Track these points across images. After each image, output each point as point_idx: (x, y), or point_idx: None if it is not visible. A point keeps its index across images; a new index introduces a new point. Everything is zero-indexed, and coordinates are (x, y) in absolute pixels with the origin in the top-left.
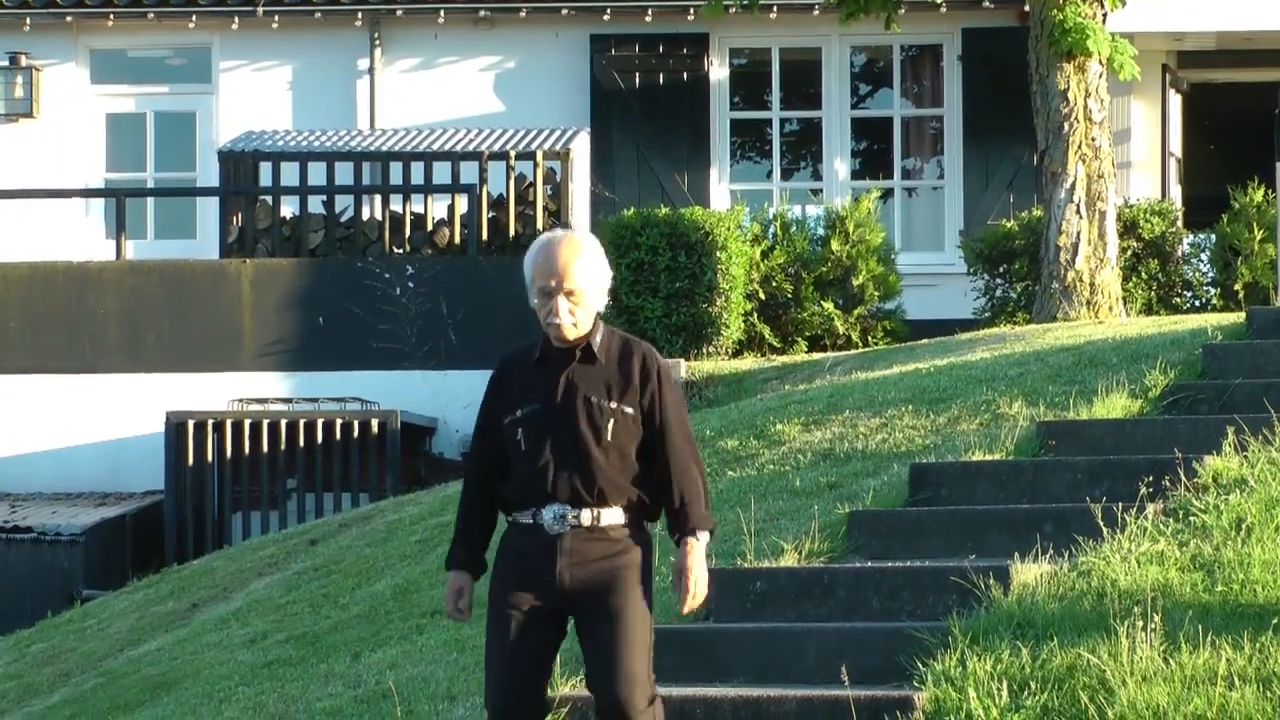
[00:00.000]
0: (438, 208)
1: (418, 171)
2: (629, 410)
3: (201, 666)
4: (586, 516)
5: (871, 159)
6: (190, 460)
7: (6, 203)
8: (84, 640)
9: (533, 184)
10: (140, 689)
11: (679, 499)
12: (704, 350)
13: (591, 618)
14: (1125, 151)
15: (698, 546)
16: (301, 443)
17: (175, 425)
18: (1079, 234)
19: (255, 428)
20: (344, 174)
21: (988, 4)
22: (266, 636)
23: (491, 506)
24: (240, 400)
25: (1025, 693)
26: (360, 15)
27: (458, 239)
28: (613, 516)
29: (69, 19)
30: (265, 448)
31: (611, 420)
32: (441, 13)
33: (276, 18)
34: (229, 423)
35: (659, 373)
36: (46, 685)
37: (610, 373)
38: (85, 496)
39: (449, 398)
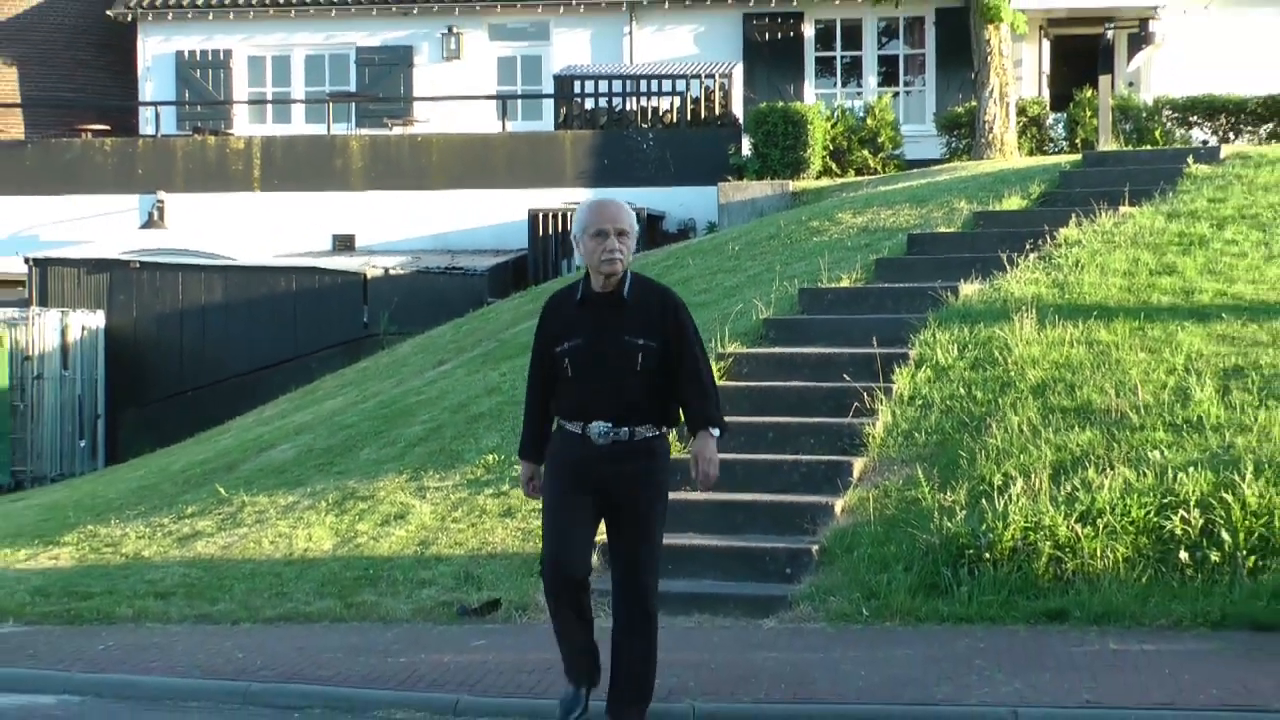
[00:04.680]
0: (664, 103)
1: (654, 85)
2: (654, 344)
3: None
4: (624, 432)
5: (887, 77)
6: (540, 233)
7: (449, 103)
8: (487, 323)
9: (713, 91)
10: (515, 348)
11: (693, 402)
12: (800, 176)
13: (621, 513)
14: (1020, 70)
15: (708, 437)
16: None
17: (532, 215)
18: (995, 115)
19: (573, 216)
20: (616, 86)
21: None
22: None
23: (546, 411)
24: (565, 202)
25: (965, 350)
26: (623, 3)
27: (674, 120)
28: (644, 431)
29: (478, 7)
30: None
31: (640, 354)
32: (666, 2)
33: (581, 6)
34: (558, 213)
35: (676, 309)
36: (469, 345)
37: (638, 313)
38: (487, 252)
39: (670, 202)
